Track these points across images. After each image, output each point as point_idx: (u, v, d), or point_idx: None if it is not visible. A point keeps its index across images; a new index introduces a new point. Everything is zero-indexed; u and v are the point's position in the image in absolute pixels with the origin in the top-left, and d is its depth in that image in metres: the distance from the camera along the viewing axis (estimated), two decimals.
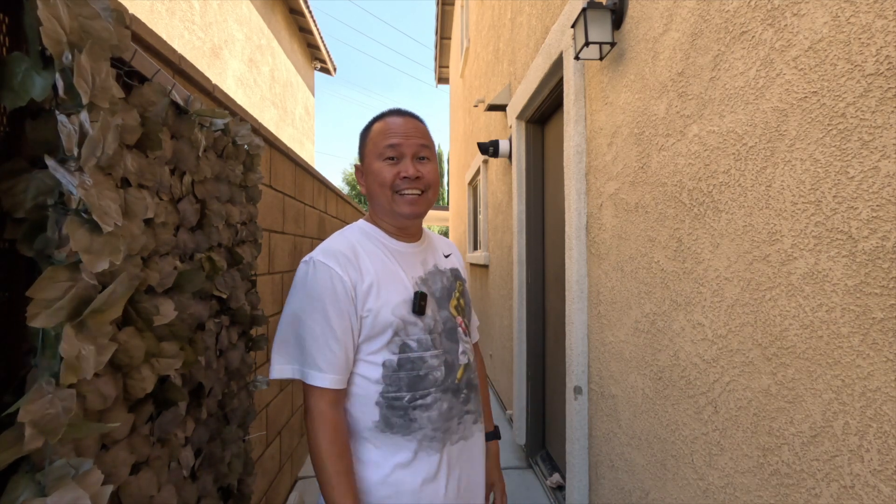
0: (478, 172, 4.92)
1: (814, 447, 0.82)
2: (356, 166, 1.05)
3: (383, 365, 0.93)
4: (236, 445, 1.27)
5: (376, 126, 1.00)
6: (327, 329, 0.88)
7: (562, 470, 2.51)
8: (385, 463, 0.92)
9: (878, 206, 0.71)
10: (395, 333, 0.93)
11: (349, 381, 0.94)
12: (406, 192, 0.96)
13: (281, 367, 0.91)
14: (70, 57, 0.56)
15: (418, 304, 0.95)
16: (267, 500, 2.07)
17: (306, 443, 2.87)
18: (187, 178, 1.04)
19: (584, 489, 1.90)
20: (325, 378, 0.88)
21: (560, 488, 2.45)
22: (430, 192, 1.00)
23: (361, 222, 1.04)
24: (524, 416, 2.95)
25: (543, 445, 2.95)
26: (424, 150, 0.98)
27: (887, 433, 0.69)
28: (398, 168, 0.96)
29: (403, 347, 0.93)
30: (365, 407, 0.93)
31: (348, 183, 26.49)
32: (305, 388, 0.90)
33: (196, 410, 1.05)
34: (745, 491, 0.99)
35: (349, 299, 0.90)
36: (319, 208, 3.15)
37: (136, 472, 0.80)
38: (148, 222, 0.87)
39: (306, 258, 0.94)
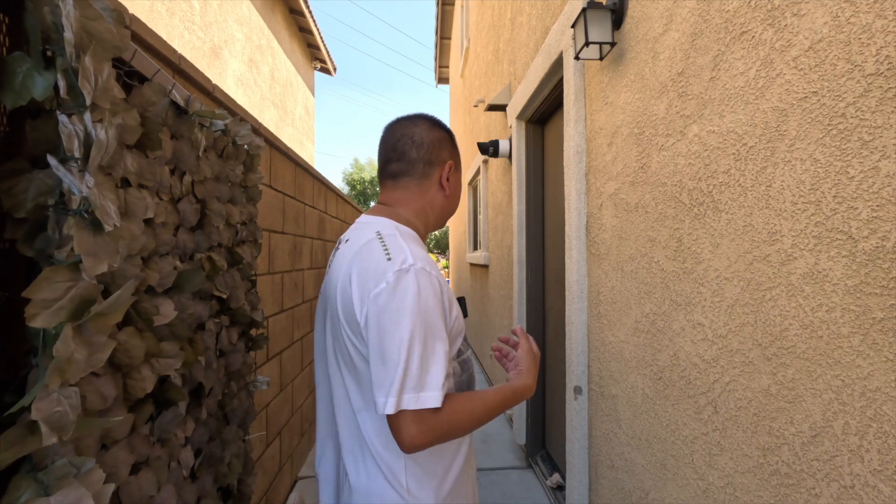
0: (478, 172, 4.92)
1: (814, 447, 0.82)
2: (451, 164, 0.98)
3: (452, 373, 0.90)
4: (236, 445, 1.27)
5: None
6: (439, 343, 0.78)
7: (562, 470, 2.51)
8: (453, 465, 0.90)
9: (878, 206, 0.71)
10: (463, 338, 0.93)
11: None
12: None
13: (390, 401, 0.75)
14: (74, 58, 0.57)
15: (465, 307, 0.98)
16: (267, 500, 2.07)
17: (306, 443, 2.87)
18: (187, 178, 1.04)
19: (584, 489, 1.90)
20: (438, 398, 0.77)
21: (560, 488, 2.45)
22: None
23: (397, 224, 0.92)
24: (524, 416, 2.95)
25: (543, 445, 2.95)
26: None
27: (887, 433, 0.69)
28: None
29: (459, 352, 0.93)
30: None
31: (348, 183, 26.47)
32: (416, 414, 0.76)
33: (196, 410, 1.05)
34: (745, 491, 0.99)
35: (448, 308, 0.85)
36: (319, 208, 3.15)
37: (136, 472, 0.80)
38: (148, 222, 0.87)
39: (402, 266, 0.79)
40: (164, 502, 0.86)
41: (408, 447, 0.77)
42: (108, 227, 0.59)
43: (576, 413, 1.91)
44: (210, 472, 1.12)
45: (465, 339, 0.99)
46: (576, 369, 1.91)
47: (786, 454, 0.89)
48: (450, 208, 1.01)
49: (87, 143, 0.58)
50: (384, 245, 0.84)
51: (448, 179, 0.98)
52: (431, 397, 0.76)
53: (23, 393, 0.58)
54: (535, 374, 0.95)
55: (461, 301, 1.00)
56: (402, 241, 0.85)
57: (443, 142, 0.98)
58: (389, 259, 0.80)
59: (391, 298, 0.77)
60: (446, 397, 0.80)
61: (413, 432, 0.76)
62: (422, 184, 0.96)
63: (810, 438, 0.83)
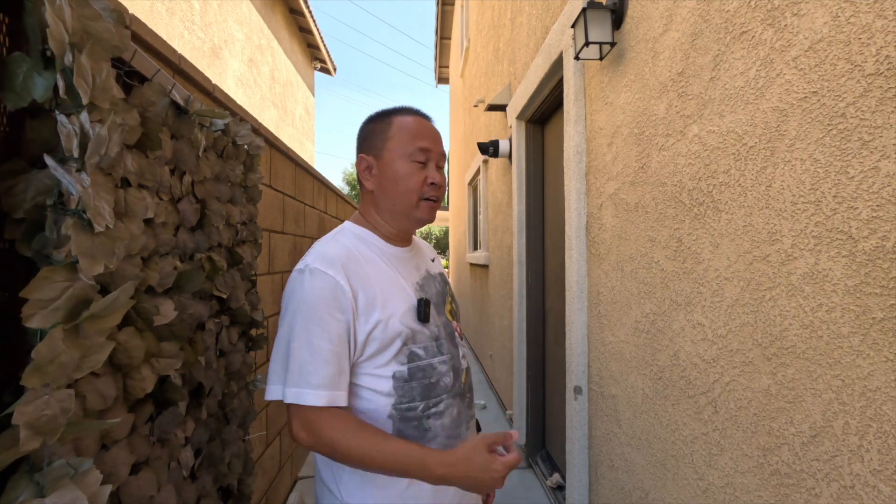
0: (478, 172, 4.92)
1: (814, 447, 0.82)
2: (362, 157, 0.97)
3: (393, 377, 0.88)
4: (236, 445, 1.27)
5: (401, 121, 0.95)
6: (325, 342, 0.82)
7: (562, 470, 2.51)
8: (400, 480, 0.87)
9: (878, 206, 0.71)
10: (404, 343, 0.89)
11: (358, 397, 0.89)
12: (430, 198, 0.94)
13: (274, 388, 0.83)
14: (71, 57, 0.56)
15: (423, 311, 0.92)
16: (267, 500, 2.07)
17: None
18: (187, 178, 1.04)
19: (584, 489, 1.89)
20: (324, 396, 0.80)
21: (560, 488, 2.44)
22: (441, 200, 0.99)
23: (352, 225, 0.98)
24: (524, 416, 2.95)
25: (543, 445, 2.95)
26: (442, 158, 0.97)
27: (887, 433, 0.69)
28: (425, 174, 0.93)
29: (412, 357, 0.90)
30: (376, 422, 0.88)
31: (348, 183, 26.46)
32: (297, 410, 0.82)
33: (196, 410, 1.05)
34: (745, 491, 0.99)
35: (350, 310, 0.84)
36: (319, 208, 3.15)
37: (136, 472, 0.80)
38: (148, 222, 0.87)
39: (300, 266, 0.86)
40: (164, 502, 0.86)
41: (294, 439, 0.83)
42: (98, 228, 0.59)
43: (576, 413, 1.91)
44: (210, 472, 1.12)
45: (434, 344, 0.93)
46: (576, 369, 1.91)
47: (786, 454, 0.88)
48: (388, 199, 0.94)
49: (85, 143, 0.58)
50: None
51: (368, 173, 0.96)
52: (308, 395, 0.80)
53: (22, 393, 0.58)
54: (468, 484, 0.81)
55: (421, 303, 0.92)
56: (322, 244, 0.91)
57: (359, 138, 0.99)
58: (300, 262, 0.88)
59: (283, 296, 0.88)
60: (344, 417, 0.82)
61: (294, 427, 0.83)
62: (363, 184, 0.99)
63: (810, 438, 0.83)
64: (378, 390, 0.88)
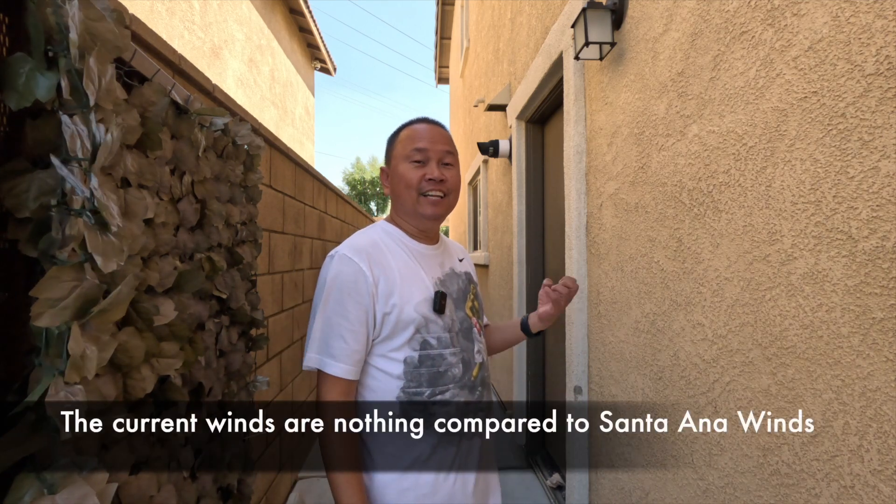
0: (478, 172, 4.92)
1: (814, 447, 0.82)
2: (382, 169, 1.10)
3: (404, 361, 0.96)
4: (236, 445, 1.27)
5: (404, 132, 1.05)
6: (343, 320, 0.92)
7: (562, 470, 2.51)
8: (404, 456, 0.95)
9: (878, 206, 0.71)
10: (417, 330, 0.96)
11: (370, 376, 0.97)
12: (430, 193, 1.00)
13: (308, 357, 0.95)
14: (78, 58, 0.57)
15: (439, 302, 0.98)
16: (267, 500, 2.07)
17: (307, 443, 2.87)
18: (187, 178, 1.04)
19: (584, 489, 1.90)
20: (336, 367, 0.91)
21: (560, 488, 2.45)
22: (451, 197, 1.05)
23: (383, 223, 1.08)
24: (524, 416, 2.95)
25: (543, 445, 2.95)
26: (449, 156, 1.04)
27: (887, 433, 0.69)
28: (424, 171, 1.00)
29: (424, 344, 0.97)
30: (385, 401, 0.96)
31: (348, 183, 26.46)
32: (320, 377, 0.94)
33: (196, 410, 1.05)
34: (745, 491, 0.99)
35: (369, 294, 0.93)
36: (319, 208, 3.15)
37: (136, 472, 0.80)
38: (148, 222, 0.87)
39: (332, 252, 0.98)
40: (164, 502, 0.86)
41: (317, 400, 0.95)
42: (113, 228, 0.59)
43: (576, 413, 1.91)
44: (210, 472, 1.12)
45: (447, 336, 0.99)
46: (576, 369, 1.91)
47: (786, 454, 0.89)
48: (398, 200, 1.05)
49: (92, 144, 0.58)
50: None
51: (386, 181, 1.08)
52: (330, 365, 0.92)
53: (24, 393, 0.58)
54: None
55: (437, 295, 0.99)
56: (354, 235, 1.02)
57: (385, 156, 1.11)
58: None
59: (318, 279, 0.98)
60: (345, 415, 0.92)
61: (319, 390, 0.95)
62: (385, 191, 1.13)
63: (810, 438, 0.83)
64: (389, 372, 0.96)
